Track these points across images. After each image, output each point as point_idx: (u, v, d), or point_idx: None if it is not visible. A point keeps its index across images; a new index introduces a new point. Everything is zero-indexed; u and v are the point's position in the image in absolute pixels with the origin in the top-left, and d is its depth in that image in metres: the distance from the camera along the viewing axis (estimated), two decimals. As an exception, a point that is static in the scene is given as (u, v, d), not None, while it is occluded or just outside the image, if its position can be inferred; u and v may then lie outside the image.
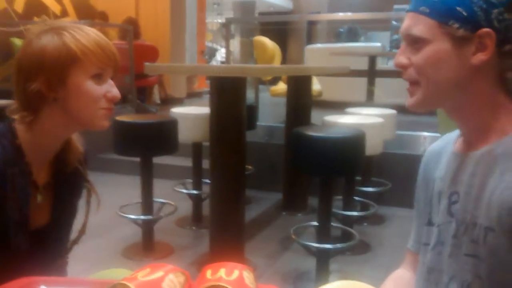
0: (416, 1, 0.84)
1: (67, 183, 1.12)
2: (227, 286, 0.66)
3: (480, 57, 0.80)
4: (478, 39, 0.79)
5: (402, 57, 0.87)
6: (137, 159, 2.84)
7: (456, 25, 0.80)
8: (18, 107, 1.01)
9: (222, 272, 0.69)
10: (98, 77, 1.00)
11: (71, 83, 0.98)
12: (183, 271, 0.75)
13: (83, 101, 1.00)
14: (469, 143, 0.89)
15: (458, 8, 0.79)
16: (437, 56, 0.82)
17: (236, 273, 0.70)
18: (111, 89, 1.03)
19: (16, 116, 1.01)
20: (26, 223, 1.03)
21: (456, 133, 0.97)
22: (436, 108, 0.93)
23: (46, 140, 1.04)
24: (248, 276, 0.72)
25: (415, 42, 0.84)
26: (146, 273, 0.68)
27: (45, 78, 0.97)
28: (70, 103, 0.99)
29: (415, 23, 0.83)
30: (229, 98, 2.43)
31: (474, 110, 0.85)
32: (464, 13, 0.79)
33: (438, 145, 1.01)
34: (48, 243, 1.10)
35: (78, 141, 1.14)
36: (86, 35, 0.99)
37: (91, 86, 0.99)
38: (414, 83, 0.87)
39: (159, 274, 0.69)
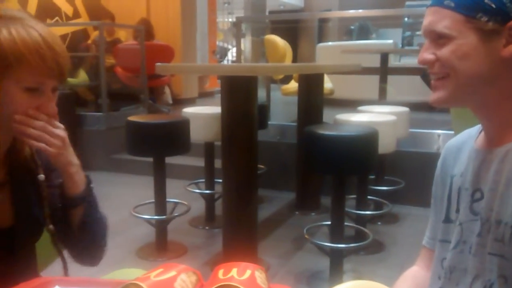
0: None
1: (25, 179, 1.03)
2: (238, 286, 0.66)
3: (511, 50, 0.78)
4: (508, 31, 0.77)
5: (426, 53, 0.84)
6: (150, 159, 2.86)
7: (484, 18, 0.77)
8: None
9: (234, 272, 0.69)
10: (33, 90, 0.88)
11: (1, 87, 0.86)
12: (195, 270, 0.75)
13: (9, 111, 0.88)
14: (492, 139, 0.87)
15: (486, 1, 0.77)
16: (464, 51, 0.80)
17: (248, 273, 0.70)
18: (46, 104, 0.90)
19: None
20: None
21: (475, 129, 0.95)
22: (461, 105, 0.89)
23: None
24: (260, 276, 0.72)
25: (439, 38, 0.82)
26: (159, 273, 0.69)
27: None
28: None
29: (439, 19, 0.81)
30: (240, 97, 2.43)
31: (500, 106, 0.83)
32: (493, 5, 0.77)
33: (457, 140, 1.00)
34: (17, 244, 1.01)
35: None
36: (28, 36, 0.85)
37: (22, 98, 0.87)
38: (441, 78, 0.84)
39: (171, 274, 0.69)
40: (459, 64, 0.81)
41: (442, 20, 0.80)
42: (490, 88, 0.82)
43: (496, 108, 0.84)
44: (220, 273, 0.71)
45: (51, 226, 1.05)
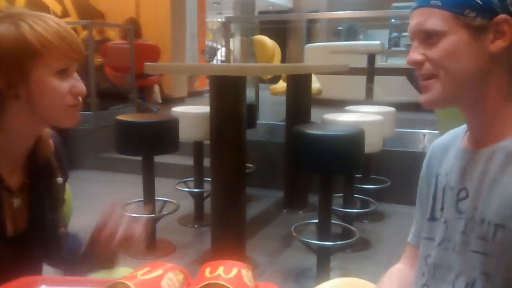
0: None
1: (43, 181, 1.04)
2: (225, 284, 0.67)
3: (499, 44, 0.79)
4: (495, 27, 0.79)
5: (415, 54, 0.84)
6: (139, 158, 2.86)
7: (472, 14, 0.78)
8: None
9: (220, 270, 0.70)
10: (63, 73, 0.91)
11: (33, 80, 0.89)
12: (182, 269, 0.76)
13: (48, 99, 0.91)
14: (479, 139, 0.87)
15: None
16: (455, 48, 0.80)
17: (234, 271, 0.71)
18: (76, 83, 0.94)
19: None
20: (2, 232, 0.95)
21: (461, 128, 0.96)
22: (452, 105, 0.89)
23: (14, 141, 0.95)
24: (246, 274, 0.73)
25: (429, 37, 0.82)
26: (146, 272, 0.69)
27: (3, 73, 0.87)
28: (34, 101, 0.91)
29: (427, 18, 0.81)
30: (229, 97, 2.45)
31: (490, 103, 0.83)
32: (479, 2, 0.78)
33: (443, 140, 1.00)
34: (30, 247, 1.02)
35: (48, 134, 1.05)
36: (46, 25, 0.89)
37: (55, 83, 0.91)
38: (430, 77, 0.84)
39: (158, 272, 0.70)
40: (450, 64, 0.81)
41: (431, 18, 0.81)
42: (480, 86, 0.83)
43: (485, 106, 0.84)
44: (207, 272, 0.71)
45: (62, 229, 1.08)
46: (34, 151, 1.01)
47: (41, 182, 1.03)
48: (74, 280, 0.88)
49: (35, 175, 1.02)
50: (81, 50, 0.94)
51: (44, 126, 1.00)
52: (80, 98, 0.95)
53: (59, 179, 1.06)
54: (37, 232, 1.02)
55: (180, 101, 6.89)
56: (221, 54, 12.01)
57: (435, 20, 0.81)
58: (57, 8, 6.66)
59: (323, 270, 2.45)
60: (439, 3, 0.80)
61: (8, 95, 0.89)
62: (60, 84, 0.91)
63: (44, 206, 1.04)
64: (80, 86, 0.94)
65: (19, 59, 0.87)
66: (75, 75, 0.95)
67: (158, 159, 2.89)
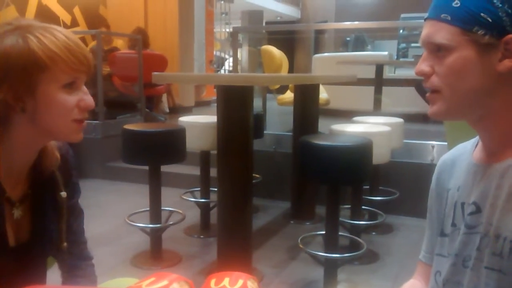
0: (436, 8, 0.82)
1: (45, 193, 1.03)
2: None
3: (507, 64, 0.77)
4: (504, 46, 0.77)
5: (423, 65, 0.84)
6: (146, 168, 2.86)
7: (481, 32, 0.77)
8: None
9: (226, 282, 0.69)
10: (70, 86, 0.90)
11: (40, 93, 0.88)
12: (187, 280, 0.75)
13: (54, 113, 0.90)
14: (492, 153, 0.86)
15: (482, 15, 0.76)
16: (461, 65, 0.79)
17: (240, 283, 0.70)
18: (84, 97, 0.93)
19: None
20: (4, 242, 0.94)
21: (470, 142, 0.95)
22: (459, 120, 0.88)
23: (18, 154, 0.94)
24: (252, 285, 0.72)
25: (438, 50, 0.81)
26: (151, 282, 0.68)
27: (10, 87, 0.86)
28: (40, 115, 0.90)
29: (436, 31, 0.81)
30: (236, 107, 2.44)
31: (500, 120, 0.82)
32: (489, 19, 0.76)
33: (452, 154, 0.99)
34: (33, 257, 1.02)
35: (54, 147, 1.04)
36: (54, 38, 0.88)
37: (63, 97, 0.90)
38: (435, 91, 0.84)
39: (163, 283, 0.69)
40: (454, 81, 0.80)
41: (440, 31, 0.80)
42: (488, 103, 0.81)
43: (496, 122, 0.82)
44: (212, 283, 0.71)
45: (65, 244, 1.06)
46: (38, 162, 1.00)
47: (43, 194, 1.02)
48: None
49: (37, 186, 1.01)
50: (90, 62, 0.93)
51: (48, 140, 1.00)
52: (87, 113, 0.95)
53: (63, 193, 1.05)
54: (39, 243, 1.02)
55: (187, 110, 6.92)
56: (228, 64, 12.08)
57: (443, 34, 0.80)
58: (66, 17, 6.75)
59: (330, 282, 2.42)
60: (448, 18, 0.79)
61: (14, 108, 0.88)
62: (67, 98, 0.91)
63: (45, 218, 1.03)
64: (88, 99, 0.94)
65: (26, 72, 0.86)
66: (83, 88, 0.94)
67: (165, 168, 2.89)
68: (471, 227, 0.86)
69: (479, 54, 0.78)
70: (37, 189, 1.01)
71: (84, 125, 0.95)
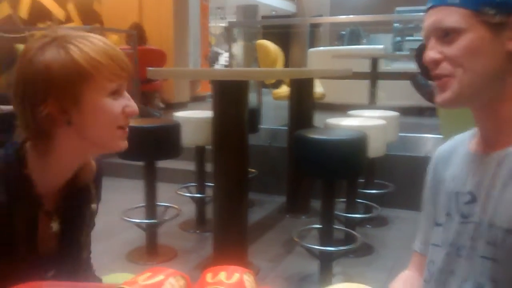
0: None
1: (78, 207, 1.02)
2: None
3: None
4: None
5: (433, 52, 0.82)
6: (141, 163, 2.86)
7: (491, 12, 0.77)
8: (27, 134, 0.89)
9: (222, 276, 0.69)
10: (115, 93, 0.89)
11: (86, 103, 0.86)
12: (183, 274, 0.75)
13: (100, 122, 0.89)
14: (489, 142, 0.86)
15: None
16: (474, 45, 0.79)
17: (236, 277, 0.70)
18: (129, 103, 0.91)
19: (25, 144, 0.90)
20: (34, 252, 0.93)
21: (466, 134, 0.96)
22: (468, 105, 0.86)
23: (60, 167, 0.93)
24: (248, 279, 0.72)
25: (446, 35, 0.80)
26: (147, 277, 0.68)
27: (55, 100, 0.84)
28: (86, 125, 0.88)
29: (445, 15, 0.80)
30: (232, 101, 2.44)
31: (504, 105, 0.82)
32: None
33: (448, 145, 1.00)
34: (57, 271, 0.99)
35: (92, 160, 1.04)
36: (94, 46, 0.87)
37: (109, 104, 0.88)
38: (447, 77, 0.82)
39: (159, 278, 0.69)
40: (468, 61, 0.80)
41: (450, 15, 0.79)
42: (497, 86, 0.81)
43: (499, 107, 0.83)
44: (208, 277, 0.71)
45: (85, 254, 1.07)
46: (76, 175, 0.98)
47: (76, 207, 1.01)
48: (77, 285, 0.86)
49: (71, 199, 0.99)
50: (130, 67, 0.91)
51: (93, 152, 0.98)
52: (130, 119, 0.93)
53: (94, 206, 1.04)
54: (67, 256, 1.00)
55: (182, 106, 6.90)
56: (224, 59, 12.05)
57: (454, 17, 0.79)
58: (60, 13, 6.69)
59: (325, 275, 2.43)
60: (457, 1, 0.79)
61: (59, 122, 0.86)
62: (113, 104, 0.89)
63: (76, 230, 1.02)
64: (133, 105, 0.92)
65: (71, 84, 0.84)
66: (126, 94, 0.92)
67: (160, 164, 2.89)
68: (466, 217, 0.87)
69: (490, 34, 0.78)
70: (70, 201, 0.99)
71: (127, 131, 0.94)
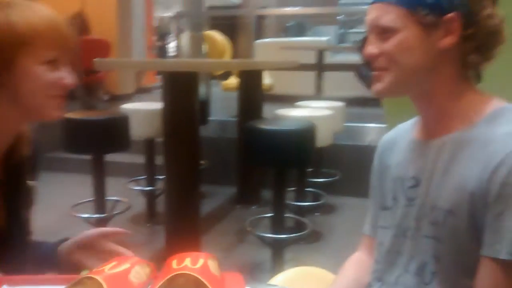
0: None
1: (17, 180, 1.00)
2: (192, 274, 0.68)
3: (447, 41, 0.84)
4: (444, 24, 0.84)
5: (371, 47, 0.89)
6: (88, 157, 2.78)
7: (424, 12, 0.83)
8: None
9: (187, 261, 0.71)
10: (52, 63, 0.89)
11: (19, 68, 0.86)
12: (148, 262, 0.76)
13: (32, 88, 0.88)
14: (430, 130, 0.93)
15: None
16: (407, 43, 0.85)
17: (201, 262, 0.72)
18: (66, 75, 0.91)
19: None
20: None
21: (409, 123, 1.02)
22: (402, 95, 0.94)
23: None
24: (212, 264, 0.74)
25: (384, 32, 0.86)
26: (113, 266, 0.69)
27: None
28: (18, 90, 0.88)
29: (383, 13, 0.86)
30: (182, 92, 2.43)
31: (439, 96, 0.89)
32: (431, 0, 0.83)
33: (393, 133, 1.07)
34: (7, 245, 0.97)
35: (29, 134, 1.03)
36: (36, 13, 0.87)
37: (41, 72, 0.88)
38: (383, 70, 0.89)
39: (125, 266, 0.70)
40: (401, 58, 0.86)
41: (386, 14, 0.85)
42: (429, 80, 0.88)
43: (435, 99, 0.89)
44: (174, 263, 0.71)
45: (31, 235, 1.04)
46: (12, 148, 0.97)
47: (15, 180, 1.00)
48: (39, 278, 0.84)
49: (10, 172, 0.98)
50: (73, 41, 0.91)
51: (28, 120, 0.97)
52: (65, 91, 0.93)
53: (32, 182, 1.03)
54: (15, 229, 0.99)
55: (127, 98, 6.73)
56: (169, 50, 11.84)
57: (390, 16, 0.85)
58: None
59: (277, 262, 2.49)
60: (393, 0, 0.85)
61: None
62: (47, 73, 0.89)
63: (19, 204, 1.01)
64: (69, 79, 0.92)
65: (5, 47, 0.84)
66: (66, 67, 0.92)
67: (108, 157, 2.83)
68: (410, 200, 0.93)
69: (423, 33, 0.85)
70: (10, 174, 0.97)
71: (63, 100, 0.94)
